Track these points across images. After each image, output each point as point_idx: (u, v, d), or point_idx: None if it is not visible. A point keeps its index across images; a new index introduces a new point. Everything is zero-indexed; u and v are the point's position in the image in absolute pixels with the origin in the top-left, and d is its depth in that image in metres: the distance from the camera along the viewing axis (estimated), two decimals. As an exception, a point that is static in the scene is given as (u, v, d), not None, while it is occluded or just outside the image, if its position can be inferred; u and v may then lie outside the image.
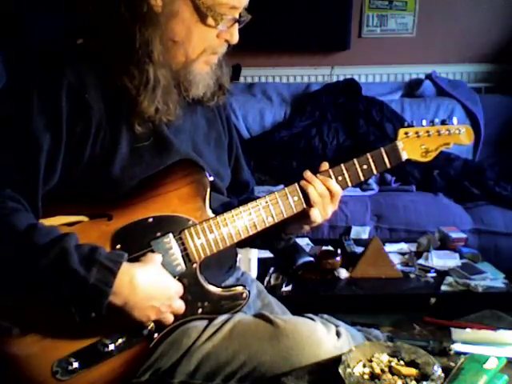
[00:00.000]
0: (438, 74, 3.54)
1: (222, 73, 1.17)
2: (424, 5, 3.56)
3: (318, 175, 1.14)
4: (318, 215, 1.14)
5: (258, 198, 1.21)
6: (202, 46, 1.06)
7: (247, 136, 3.37)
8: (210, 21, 1.03)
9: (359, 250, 2.35)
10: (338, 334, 1.06)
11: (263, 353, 1.03)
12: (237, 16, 1.06)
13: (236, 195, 1.30)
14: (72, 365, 0.98)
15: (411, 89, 3.51)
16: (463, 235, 2.49)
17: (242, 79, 3.63)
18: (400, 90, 3.52)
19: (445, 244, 2.45)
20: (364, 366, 0.97)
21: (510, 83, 3.53)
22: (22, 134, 0.97)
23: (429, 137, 1.20)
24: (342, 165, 1.16)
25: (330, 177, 1.14)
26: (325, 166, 1.16)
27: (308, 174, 1.13)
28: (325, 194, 1.13)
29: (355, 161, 1.16)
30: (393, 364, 0.96)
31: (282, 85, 3.59)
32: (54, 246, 0.90)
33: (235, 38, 1.08)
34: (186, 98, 1.11)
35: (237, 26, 1.07)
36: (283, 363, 1.01)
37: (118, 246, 1.01)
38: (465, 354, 1.05)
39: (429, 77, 3.52)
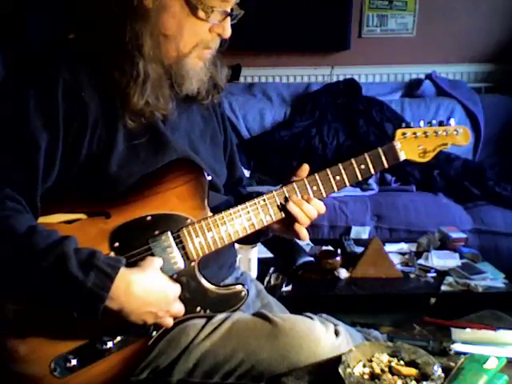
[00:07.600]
0: (438, 74, 3.53)
1: (217, 72, 1.18)
2: (424, 5, 3.56)
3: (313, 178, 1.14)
4: (306, 234, 1.16)
5: (250, 193, 1.21)
6: (194, 40, 1.06)
7: (247, 136, 3.37)
8: (201, 13, 1.03)
9: (359, 249, 2.35)
10: (337, 333, 1.06)
11: (261, 350, 1.02)
12: (228, 10, 1.06)
13: (229, 190, 1.30)
14: (70, 362, 0.98)
15: (411, 89, 3.51)
16: (463, 235, 2.50)
17: (242, 79, 3.63)
18: (400, 90, 3.52)
19: (445, 244, 2.45)
20: (364, 366, 0.96)
21: (510, 83, 3.53)
22: (19, 134, 0.97)
23: (426, 137, 1.20)
24: (340, 164, 1.16)
25: (328, 176, 1.15)
26: (305, 169, 1.16)
27: (294, 198, 1.12)
28: (312, 214, 1.14)
29: (353, 160, 1.16)
30: (393, 364, 0.96)
31: (282, 85, 3.58)
32: (54, 250, 0.90)
33: (227, 32, 1.08)
34: (180, 92, 1.11)
35: (229, 19, 1.07)
36: (281, 361, 1.01)
37: (116, 244, 1.01)
38: (465, 353, 1.05)
39: (429, 77, 3.52)
